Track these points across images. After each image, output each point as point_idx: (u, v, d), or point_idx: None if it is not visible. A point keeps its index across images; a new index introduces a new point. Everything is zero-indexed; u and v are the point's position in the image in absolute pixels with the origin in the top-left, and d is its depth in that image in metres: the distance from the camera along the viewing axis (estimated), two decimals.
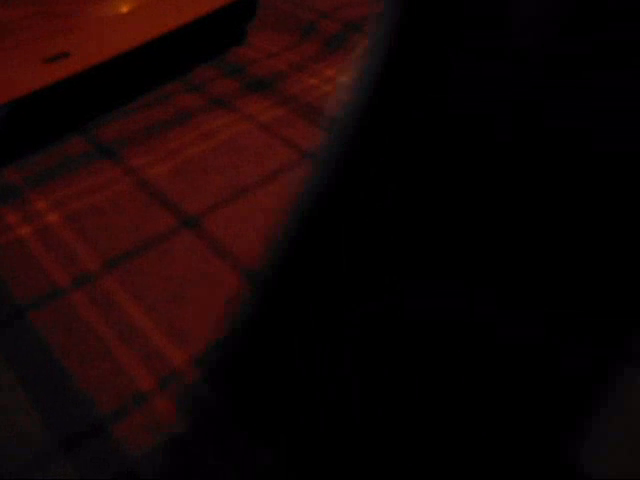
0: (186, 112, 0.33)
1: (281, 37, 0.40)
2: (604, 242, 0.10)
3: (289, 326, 0.13)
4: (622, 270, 0.10)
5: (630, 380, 0.10)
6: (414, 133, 0.10)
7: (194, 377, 0.19)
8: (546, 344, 0.11)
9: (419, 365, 0.12)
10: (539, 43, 0.09)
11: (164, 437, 0.17)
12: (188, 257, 0.23)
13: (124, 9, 0.35)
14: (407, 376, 0.12)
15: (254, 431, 0.14)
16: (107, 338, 0.20)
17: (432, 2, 0.09)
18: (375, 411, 0.12)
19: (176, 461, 0.16)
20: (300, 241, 0.12)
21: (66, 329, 0.20)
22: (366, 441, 0.12)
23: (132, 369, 0.19)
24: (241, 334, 0.14)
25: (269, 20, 0.43)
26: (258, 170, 0.28)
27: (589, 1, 0.08)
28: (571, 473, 0.14)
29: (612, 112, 0.09)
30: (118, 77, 0.33)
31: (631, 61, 0.08)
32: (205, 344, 0.20)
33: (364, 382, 0.12)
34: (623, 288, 0.10)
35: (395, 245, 0.11)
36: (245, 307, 0.14)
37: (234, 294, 0.22)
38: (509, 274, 0.11)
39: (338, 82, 0.35)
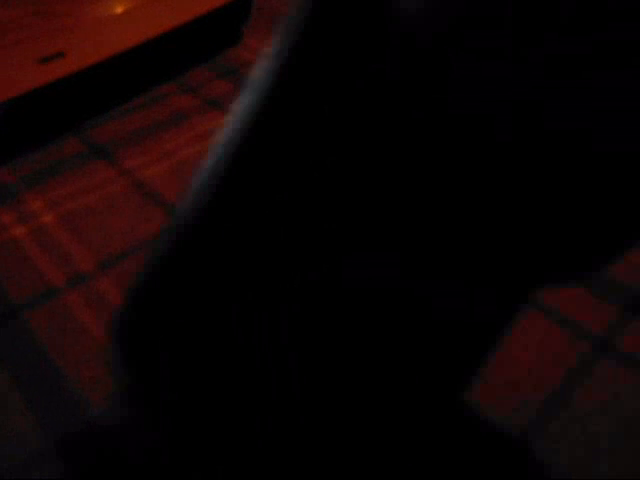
0: (181, 113, 0.33)
1: None
2: (603, 240, 0.11)
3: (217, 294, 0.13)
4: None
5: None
6: (414, 132, 0.10)
7: None
8: (454, 299, 0.12)
9: (353, 328, 0.12)
10: (539, 43, 0.09)
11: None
12: None
13: (120, 9, 0.35)
14: (343, 340, 0.12)
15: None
16: (102, 338, 0.20)
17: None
18: (314, 382, 0.12)
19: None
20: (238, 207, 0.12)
21: (61, 329, 0.21)
22: (304, 414, 0.13)
23: None
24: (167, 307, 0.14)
25: (264, 21, 0.43)
26: None
27: (589, 1, 0.08)
28: (474, 422, 0.15)
29: (612, 112, 0.09)
30: (113, 78, 0.33)
31: (631, 61, 0.08)
32: None
33: (302, 351, 0.12)
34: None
35: (339, 220, 0.11)
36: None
37: None
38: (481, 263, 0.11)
39: None
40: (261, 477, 0.13)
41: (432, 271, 0.12)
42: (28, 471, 0.17)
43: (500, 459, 0.16)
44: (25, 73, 0.31)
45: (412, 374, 0.12)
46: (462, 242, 0.11)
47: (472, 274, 0.11)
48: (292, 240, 0.12)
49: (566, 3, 0.08)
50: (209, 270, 0.13)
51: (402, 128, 0.10)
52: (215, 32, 0.38)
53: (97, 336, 0.20)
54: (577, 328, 0.19)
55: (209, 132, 0.31)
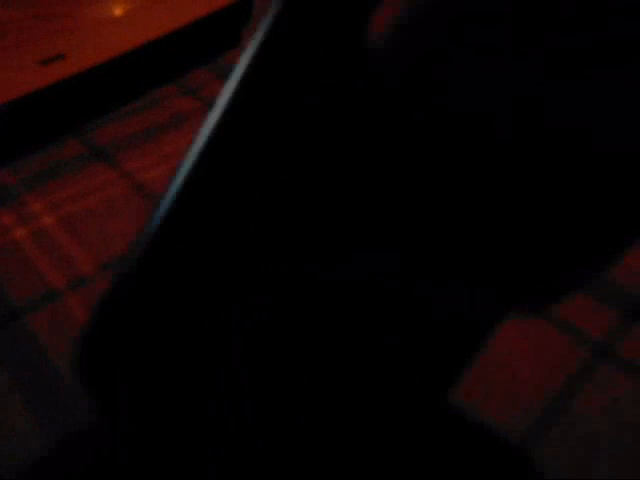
0: (181, 116, 0.33)
1: None
2: (602, 237, 0.11)
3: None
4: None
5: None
6: (413, 130, 0.10)
7: None
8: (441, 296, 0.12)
9: (348, 326, 0.12)
10: (539, 40, 0.09)
11: None
12: None
13: (120, 11, 0.35)
14: (336, 337, 0.12)
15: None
16: None
17: None
18: (298, 383, 0.13)
19: None
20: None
21: (61, 331, 0.21)
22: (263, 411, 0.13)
23: None
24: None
25: None
26: None
27: None
28: (459, 420, 0.15)
29: (612, 109, 0.09)
30: (114, 80, 0.33)
31: (632, 58, 0.08)
32: None
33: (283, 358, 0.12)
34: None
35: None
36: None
37: None
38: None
39: None
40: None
41: (432, 271, 0.12)
42: (27, 471, 0.17)
43: (497, 463, 0.16)
44: (25, 75, 0.31)
45: (405, 372, 0.12)
46: (462, 242, 0.11)
47: (472, 274, 0.12)
48: (285, 242, 0.12)
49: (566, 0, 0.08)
50: (179, 281, 0.13)
51: (402, 129, 0.10)
52: (215, 34, 0.38)
53: None
54: (577, 333, 0.19)
55: None
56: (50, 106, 0.31)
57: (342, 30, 0.11)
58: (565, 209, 0.10)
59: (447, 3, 0.09)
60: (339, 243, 0.12)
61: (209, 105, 0.34)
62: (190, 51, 0.37)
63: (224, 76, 0.36)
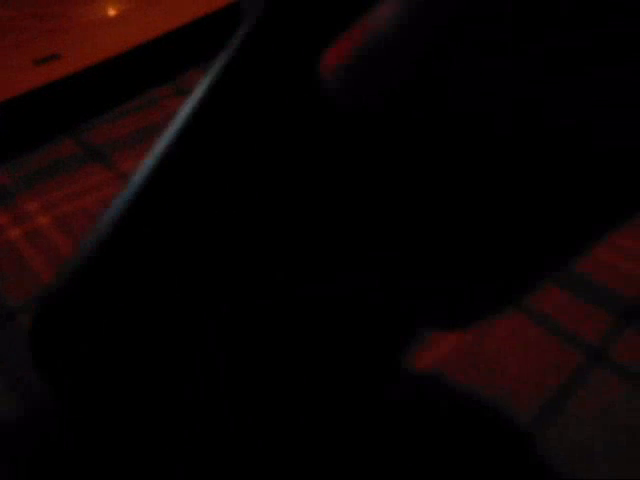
0: None
1: None
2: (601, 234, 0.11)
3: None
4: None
5: None
6: (413, 127, 0.10)
7: None
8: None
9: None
10: (539, 37, 0.09)
11: None
12: None
13: (116, 12, 0.35)
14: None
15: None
16: None
17: None
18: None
19: None
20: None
21: None
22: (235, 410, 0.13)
23: None
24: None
25: None
26: None
27: None
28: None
29: (613, 107, 0.09)
30: (110, 80, 0.33)
31: (632, 56, 0.08)
32: None
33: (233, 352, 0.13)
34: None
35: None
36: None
37: None
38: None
39: None
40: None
41: (415, 287, 0.12)
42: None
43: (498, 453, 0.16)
44: (21, 75, 0.31)
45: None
46: (450, 254, 0.11)
47: (456, 294, 0.12)
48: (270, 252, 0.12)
49: None
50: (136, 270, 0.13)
51: (401, 131, 0.10)
52: (209, 35, 0.38)
53: None
54: (571, 337, 0.19)
55: None
56: (46, 106, 0.31)
57: (296, 61, 0.11)
58: (561, 204, 0.10)
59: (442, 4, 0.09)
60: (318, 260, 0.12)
61: None
62: (187, 51, 0.37)
63: None
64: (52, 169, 0.29)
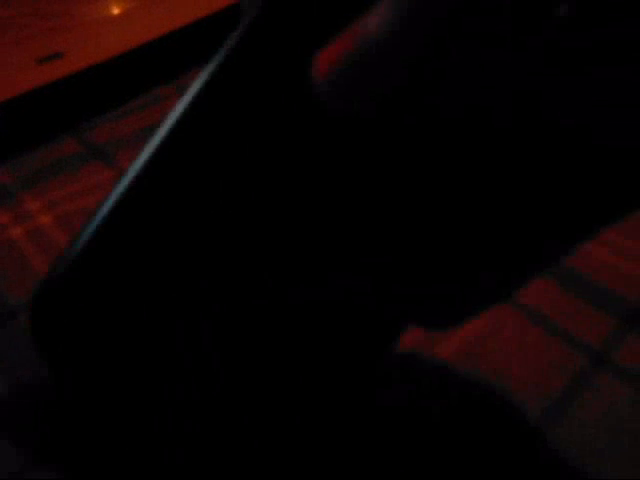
0: None
1: None
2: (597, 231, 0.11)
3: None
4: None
5: None
6: (405, 132, 0.10)
7: None
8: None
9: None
10: (539, 31, 0.09)
11: None
12: None
13: (119, 11, 0.35)
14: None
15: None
16: None
17: None
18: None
19: None
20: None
21: None
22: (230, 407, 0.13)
23: None
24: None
25: None
26: None
27: None
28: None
29: (611, 107, 0.09)
30: (112, 79, 0.33)
31: (631, 56, 0.08)
32: None
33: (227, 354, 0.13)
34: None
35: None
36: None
37: None
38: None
39: None
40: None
41: (407, 292, 0.12)
42: (26, 474, 0.17)
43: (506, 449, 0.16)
44: (23, 73, 0.31)
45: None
46: (443, 255, 0.11)
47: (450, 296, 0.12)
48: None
49: None
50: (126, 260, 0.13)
51: (396, 136, 0.10)
52: (215, 35, 0.38)
53: None
54: (574, 341, 0.19)
55: None
56: (48, 104, 0.31)
57: (289, 64, 0.11)
58: (560, 201, 0.10)
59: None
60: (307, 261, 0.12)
61: None
62: (190, 51, 0.37)
63: None
64: (54, 168, 0.29)
